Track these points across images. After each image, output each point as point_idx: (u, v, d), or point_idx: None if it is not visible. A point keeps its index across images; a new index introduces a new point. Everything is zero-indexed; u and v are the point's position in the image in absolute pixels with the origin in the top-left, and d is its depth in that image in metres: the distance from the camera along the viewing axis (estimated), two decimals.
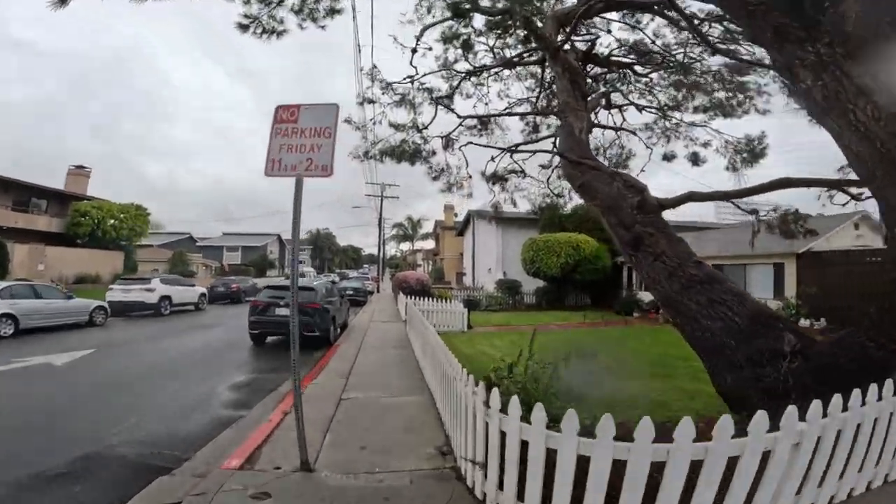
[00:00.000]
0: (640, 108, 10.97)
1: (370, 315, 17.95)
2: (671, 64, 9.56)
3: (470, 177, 10.05)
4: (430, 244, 58.05)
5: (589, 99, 8.64)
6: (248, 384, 7.23)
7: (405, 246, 72.26)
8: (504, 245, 26.28)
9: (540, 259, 21.08)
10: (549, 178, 10.99)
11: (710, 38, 8.84)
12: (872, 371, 3.99)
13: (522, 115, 11.03)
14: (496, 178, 10.68)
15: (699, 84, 9.16)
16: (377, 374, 7.53)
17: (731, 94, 9.70)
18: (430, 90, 9.77)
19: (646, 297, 19.59)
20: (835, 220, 15.50)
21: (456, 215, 47.32)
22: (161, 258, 42.70)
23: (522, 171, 10.64)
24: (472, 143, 9.59)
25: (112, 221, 29.00)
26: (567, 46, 8.95)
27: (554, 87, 11.87)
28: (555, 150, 8.79)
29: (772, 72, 8.83)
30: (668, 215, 6.85)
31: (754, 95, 9.03)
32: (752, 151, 10.12)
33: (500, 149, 9.41)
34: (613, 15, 9.84)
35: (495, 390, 3.14)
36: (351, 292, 24.37)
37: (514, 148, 9.57)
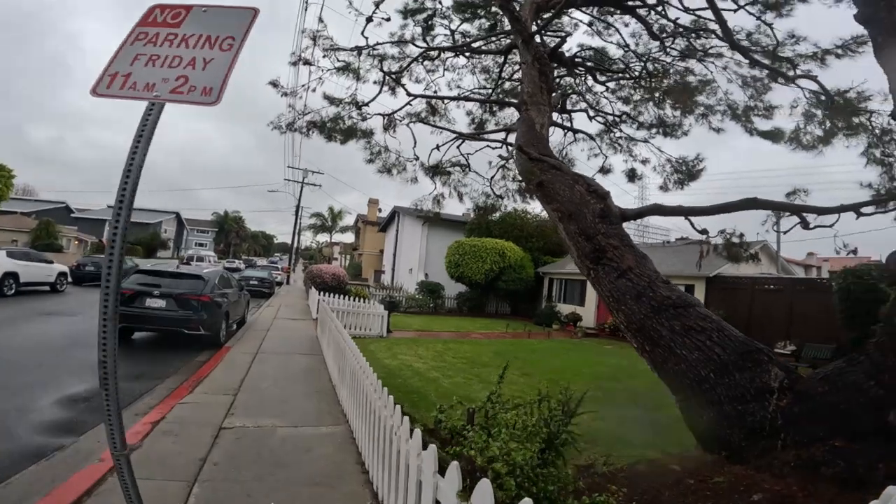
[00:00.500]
0: (591, 116, 10.60)
1: (275, 310, 15.89)
2: (635, 73, 9.21)
3: (417, 158, 8.87)
4: (349, 238, 55.52)
5: (553, 95, 7.91)
6: (88, 397, 5.33)
7: (322, 237, 68.74)
8: (429, 245, 25.34)
9: (465, 263, 20.41)
10: (493, 177, 10.15)
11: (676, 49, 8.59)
12: (868, 408, 3.53)
13: (481, 102, 10.06)
14: (438, 171, 9.61)
15: (670, 90, 8.80)
16: (276, 391, 6.02)
17: (681, 108, 9.58)
18: (381, 57, 8.43)
19: (565, 309, 19.77)
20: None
21: (380, 211, 45.66)
22: (24, 228, 35.73)
23: (468, 166, 9.68)
24: (422, 121, 8.39)
25: None
26: (537, 38, 8.19)
27: (507, 83, 11.15)
28: (509, 143, 7.94)
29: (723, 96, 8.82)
30: None
31: (707, 114, 8.90)
32: (689, 172, 10.12)
33: (454, 132, 8.36)
34: (583, 17, 9.29)
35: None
36: (255, 282, 21.78)
37: (468, 134, 8.55)
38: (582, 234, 5.65)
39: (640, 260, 5.27)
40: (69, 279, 17.64)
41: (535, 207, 28.13)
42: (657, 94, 9.26)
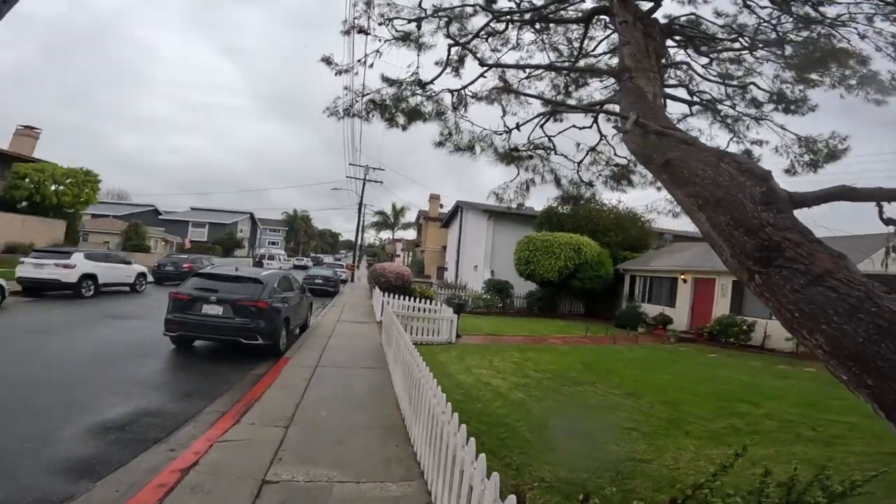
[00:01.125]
0: (691, 94, 8.71)
1: (339, 311, 15.31)
2: (746, 42, 7.26)
3: (508, 130, 7.64)
4: (411, 234, 55.37)
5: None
6: (124, 424, 4.59)
7: (385, 234, 69.47)
8: (495, 241, 23.94)
9: (536, 260, 18.80)
10: (580, 162, 8.57)
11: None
12: None
13: (569, 71, 8.53)
14: (516, 156, 8.22)
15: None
16: (334, 422, 5.00)
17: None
18: (448, 19, 7.21)
19: (651, 310, 17.58)
20: (877, 240, 13.69)
21: (441, 206, 44.84)
22: (115, 230, 38.81)
23: (552, 148, 8.21)
24: (496, 99, 7.08)
25: (54, 186, 25.25)
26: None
27: (586, 59, 9.49)
28: (614, 115, 6.38)
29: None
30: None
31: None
32: (828, 152, 7.94)
33: (547, 100, 6.95)
34: None
35: None
36: (320, 281, 21.60)
37: (559, 103, 7.10)
38: (738, 225, 4.01)
39: (838, 261, 3.58)
40: (149, 279, 18.28)
41: (616, 198, 25.73)
42: (785, 63, 7.22)
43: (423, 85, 7.82)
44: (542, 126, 8.08)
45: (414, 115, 7.94)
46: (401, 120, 7.94)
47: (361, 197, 35.64)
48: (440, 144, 7.69)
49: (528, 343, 12.15)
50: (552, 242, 18.78)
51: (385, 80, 7.84)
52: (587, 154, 8.45)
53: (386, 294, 13.07)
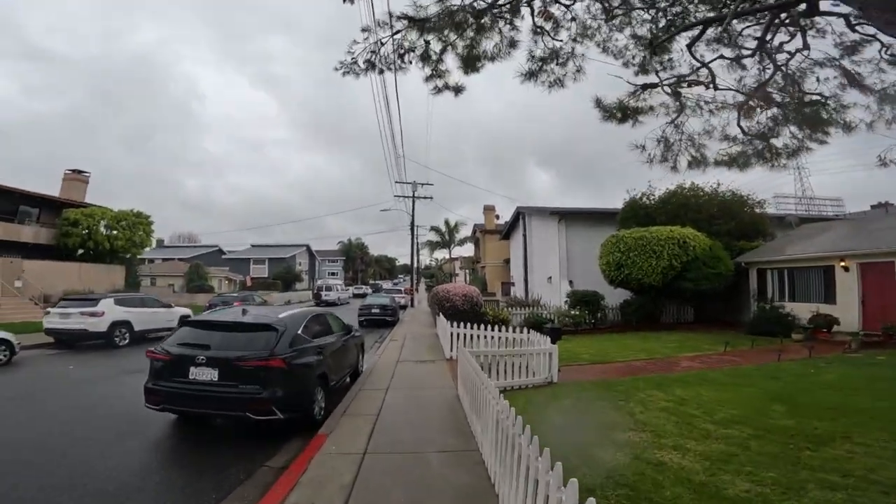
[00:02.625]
0: None
1: (399, 345, 12.67)
2: None
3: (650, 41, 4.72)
4: (468, 251, 52.66)
5: None
6: None
7: (440, 254, 67.46)
8: (569, 247, 20.53)
9: (631, 263, 15.24)
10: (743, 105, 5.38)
11: None
12: None
13: None
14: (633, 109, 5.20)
15: None
16: None
17: None
18: None
19: (798, 310, 13.40)
20: None
21: (497, 217, 41.86)
22: (179, 272, 39.39)
23: (712, 82, 5.14)
24: None
25: (105, 231, 25.14)
26: None
27: None
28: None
29: None
30: None
31: None
32: None
33: None
34: None
35: None
36: (377, 311, 19.19)
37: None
38: None
39: None
40: None
41: (714, 180, 21.49)
42: None
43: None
44: (692, 47, 5.01)
45: (474, 50, 5.15)
46: (452, 64, 5.19)
47: (412, 215, 33.50)
48: (530, 76, 4.84)
49: (659, 371, 8.75)
50: (649, 239, 15.16)
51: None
52: (772, 74, 5.24)
53: (454, 323, 10.27)
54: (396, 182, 31.76)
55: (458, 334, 9.83)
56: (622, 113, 5.78)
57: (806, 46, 5.06)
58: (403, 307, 30.29)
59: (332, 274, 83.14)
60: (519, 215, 27.22)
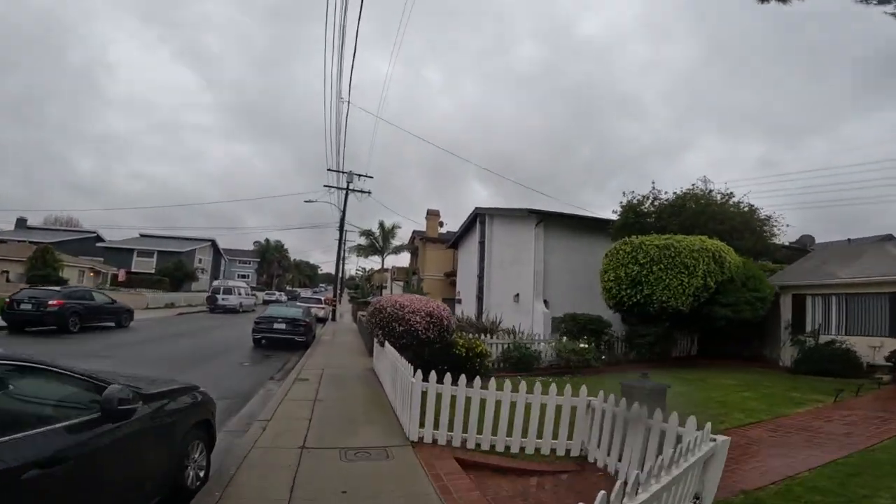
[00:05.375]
0: None
1: (310, 398, 7.13)
2: None
3: None
4: (403, 260, 47.22)
5: None
6: None
7: (370, 264, 61.22)
8: (547, 258, 16.15)
9: (655, 279, 11.05)
10: None
11: None
12: None
13: None
14: None
15: None
16: None
17: None
18: None
19: (858, 344, 10.01)
20: None
21: (442, 224, 37.18)
22: (20, 257, 29.69)
23: None
24: None
25: None
26: None
27: None
28: None
29: None
30: None
31: None
32: None
33: None
34: None
35: None
36: (282, 326, 13.15)
37: None
38: None
39: None
40: None
41: (723, 187, 18.44)
42: None
43: None
44: None
45: None
46: None
47: (343, 210, 27.62)
48: None
49: (833, 450, 4.19)
50: (678, 250, 11.11)
51: None
52: None
53: (418, 368, 5.07)
54: (329, 170, 25.85)
55: (417, 383, 4.68)
56: None
57: None
58: (322, 320, 24.14)
59: (243, 276, 73.05)
60: (476, 218, 22.62)
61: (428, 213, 36.86)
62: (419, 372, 4.98)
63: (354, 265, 76.05)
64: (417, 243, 38.71)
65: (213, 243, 55.78)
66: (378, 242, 40.22)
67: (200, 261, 51.36)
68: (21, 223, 46.18)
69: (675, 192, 15.02)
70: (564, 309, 15.43)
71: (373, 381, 8.39)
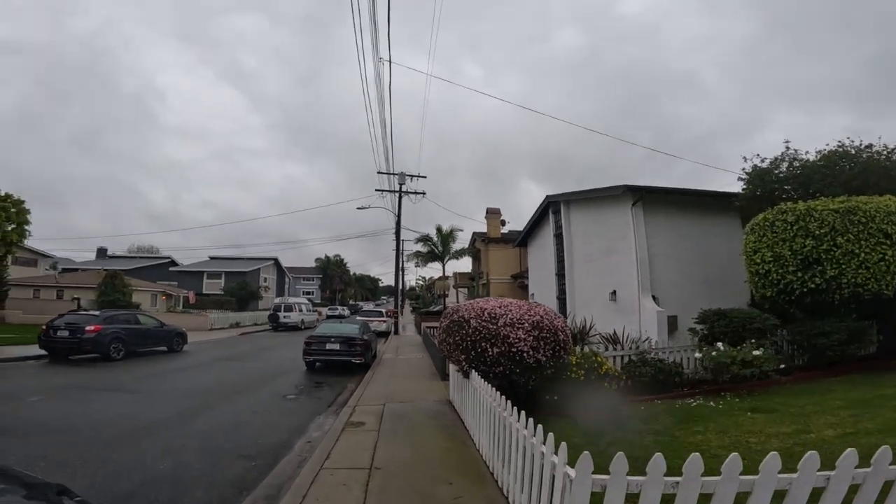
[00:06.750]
0: None
1: (369, 440, 4.72)
2: None
3: None
4: (465, 265, 44.78)
5: None
6: None
7: (429, 272, 59.50)
8: (650, 243, 12.94)
9: (840, 255, 7.67)
10: None
11: None
12: None
13: None
14: None
15: None
16: None
17: None
18: None
19: None
20: None
21: (505, 222, 34.40)
22: (92, 283, 30.59)
23: None
24: None
25: None
26: None
27: None
28: None
29: None
30: None
31: None
32: None
33: None
34: None
35: None
36: (335, 346, 10.97)
37: None
38: None
39: None
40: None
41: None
42: None
43: None
44: None
45: None
46: None
47: (398, 214, 25.78)
48: None
49: None
50: (871, 214, 7.67)
51: None
52: None
53: (529, 419, 2.47)
54: (379, 173, 24.11)
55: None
56: None
57: None
58: (384, 334, 22.19)
59: (308, 293, 74.31)
60: (548, 207, 19.65)
61: (488, 212, 34.21)
62: (583, 458, 2.36)
63: (413, 276, 74.50)
64: (479, 245, 36.09)
65: (276, 261, 56.58)
66: (437, 248, 38.06)
67: (265, 279, 52.08)
68: (101, 253, 48.97)
69: (817, 151, 11.30)
70: (670, 306, 12.30)
71: (452, 423, 5.86)
